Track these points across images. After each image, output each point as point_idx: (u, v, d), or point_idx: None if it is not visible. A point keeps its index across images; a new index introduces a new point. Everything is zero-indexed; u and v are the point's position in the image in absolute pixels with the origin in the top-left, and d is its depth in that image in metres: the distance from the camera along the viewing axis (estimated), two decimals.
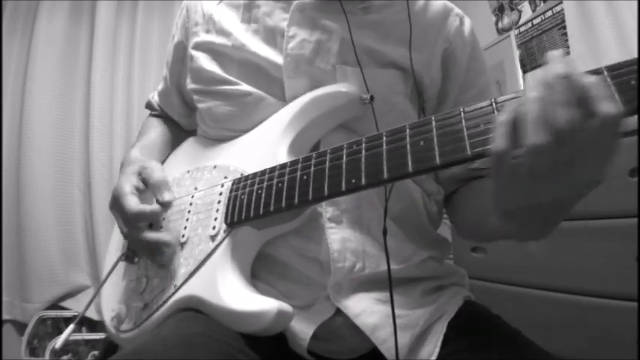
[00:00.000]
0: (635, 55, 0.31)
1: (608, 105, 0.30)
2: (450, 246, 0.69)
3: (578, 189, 0.33)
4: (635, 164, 0.95)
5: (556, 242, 1.12)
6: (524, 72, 1.76)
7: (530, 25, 1.74)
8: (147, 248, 0.59)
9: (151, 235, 0.58)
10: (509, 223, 0.41)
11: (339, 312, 0.54)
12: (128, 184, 0.61)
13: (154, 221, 0.61)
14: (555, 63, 0.32)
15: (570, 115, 0.30)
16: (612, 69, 0.31)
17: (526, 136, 0.31)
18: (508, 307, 1.19)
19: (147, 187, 0.62)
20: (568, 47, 1.58)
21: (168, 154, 0.77)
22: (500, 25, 1.89)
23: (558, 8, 1.61)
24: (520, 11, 1.79)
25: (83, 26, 1.89)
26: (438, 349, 0.52)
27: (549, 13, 1.65)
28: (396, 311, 0.51)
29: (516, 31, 1.80)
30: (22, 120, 1.71)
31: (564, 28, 1.59)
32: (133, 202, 0.58)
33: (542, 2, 1.69)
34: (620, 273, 0.97)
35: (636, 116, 0.31)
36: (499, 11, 1.89)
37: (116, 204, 0.61)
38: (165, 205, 0.59)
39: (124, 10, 1.93)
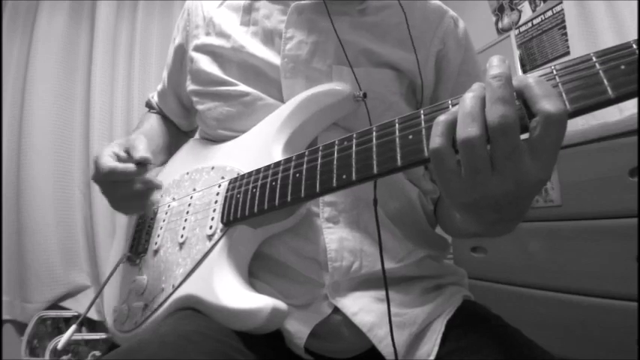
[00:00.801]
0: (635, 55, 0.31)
1: (548, 103, 0.30)
2: (449, 245, 0.69)
3: (523, 185, 0.33)
4: (635, 164, 0.95)
5: (556, 242, 1.13)
6: (525, 72, 1.76)
7: (530, 25, 1.74)
8: (127, 196, 0.58)
9: (126, 189, 0.57)
10: (465, 217, 0.41)
11: (336, 311, 0.54)
12: (107, 149, 0.60)
13: (127, 178, 0.58)
14: (493, 65, 0.33)
15: (502, 111, 0.31)
16: (601, 55, 0.31)
17: (458, 132, 0.33)
18: (508, 307, 1.20)
19: (128, 155, 0.61)
20: (568, 47, 1.58)
21: (162, 144, 0.78)
22: (500, 25, 1.89)
23: (558, 8, 1.61)
24: (520, 11, 1.79)
25: (83, 26, 1.89)
26: (436, 348, 0.52)
27: (549, 13, 1.65)
28: (394, 310, 0.51)
29: (516, 31, 1.80)
30: (22, 120, 1.71)
31: (564, 28, 1.59)
32: (106, 160, 0.57)
33: (542, 2, 1.69)
34: (620, 273, 0.97)
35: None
36: (499, 11, 1.89)
37: (95, 171, 0.59)
38: (141, 163, 0.58)
39: (124, 10, 1.93)
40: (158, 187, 0.60)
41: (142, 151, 0.59)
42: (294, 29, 0.61)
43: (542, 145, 0.31)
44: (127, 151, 0.61)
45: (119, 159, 0.59)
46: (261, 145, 0.59)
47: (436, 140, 0.34)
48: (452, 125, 0.34)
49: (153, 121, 0.81)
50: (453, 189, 0.35)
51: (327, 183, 0.44)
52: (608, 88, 0.30)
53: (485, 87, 0.33)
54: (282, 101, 0.61)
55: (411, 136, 0.39)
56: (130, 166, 0.57)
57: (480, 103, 0.33)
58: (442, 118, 0.34)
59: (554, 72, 0.33)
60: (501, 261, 1.28)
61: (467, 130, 0.32)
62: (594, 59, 0.31)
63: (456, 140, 0.33)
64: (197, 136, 0.77)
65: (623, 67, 0.30)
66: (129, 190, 0.58)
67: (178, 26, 0.75)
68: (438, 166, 0.35)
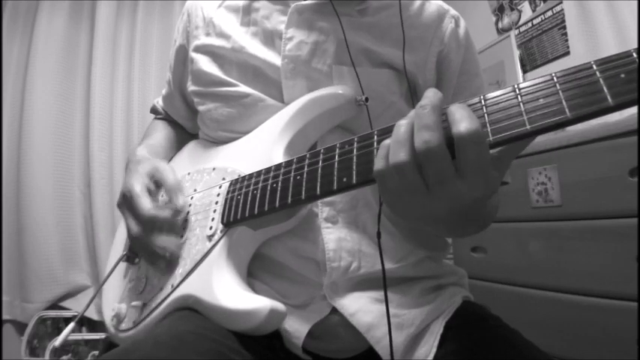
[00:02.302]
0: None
1: (461, 125, 0.32)
2: (449, 246, 0.69)
3: (458, 204, 0.35)
4: (635, 164, 0.95)
5: (556, 242, 1.13)
6: (525, 72, 1.76)
7: (530, 25, 1.74)
8: (151, 251, 0.58)
9: (162, 240, 0.57)
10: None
11: (334, 311, 0.54)
12: (139, 184, 0.60)
13: (166, 226, 0.58)
14: (425, 95, 0.35)
15: (425, 137, 0.33)
16: (601, 63, 0.32)
17: (388, 158, 0.35)
18: (508, 307, 1.20)
19: (158, 188, 0.62)
20: (568, 47, 1.58)
21: (172, 157, 0.78)
22: (500, 25, 1.89)
23: (558, 8, 1.61)
24: (520, 11, 1.79)
25: (83, 26, 1.89)
26: (434, 350, 0.52)
27: (549, 13, 1.65)
28: (393, 311, 0.51)
29: (516, 31, 1.80)
30: (22, 120, 1.72)
31: (564, 28, 1.59)
32: (146, 204, 0.57)
33: (542, 2, 1.69)
34: (620, 273, 0.97)
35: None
36: (499, 11, 1.89)
37: (127, 203, 0.60)
38: (180, 211, 0.59)
39: (124, 10, 1.93)
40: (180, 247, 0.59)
41: (180, 203, 0.59)
42: (295, 29, 0.61)
43: (465, 165, 0.33)
44: (156, 182, 0.61)
45: (150, 192, 0.60)
46: (262, 148, 0.59)
47: (379, 162, 0.37)
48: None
49: (163, 131, 0.80)
50: (397, 207, 0.38)
51: (327, 185, 0.44)
52: (608, 96, 0.30)
53: (414, 114, 0.35)
54: (283, 102, 0.61)
55: None
56: (171, 214, 0.58)
57: (410, 130, 0.35)
58: (386, 141, 0.37)
59: (555, 79, 0.33)
60: (501, 261, 1.29)
61: (396, 155, 0.34)
62: (594, 67, 0.32)
63: None
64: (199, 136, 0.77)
65: (623, 75, 0.30)
66: (166, 238, 0.58)
67: (178, 28, 0.75)
68: (381, 187, 0.38)
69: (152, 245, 0.57)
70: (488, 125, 0.34)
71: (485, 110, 0.35)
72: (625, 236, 0.96)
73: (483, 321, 0.56)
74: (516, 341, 0.51)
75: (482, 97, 0.36)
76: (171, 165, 0.75)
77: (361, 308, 0.53)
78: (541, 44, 1.69)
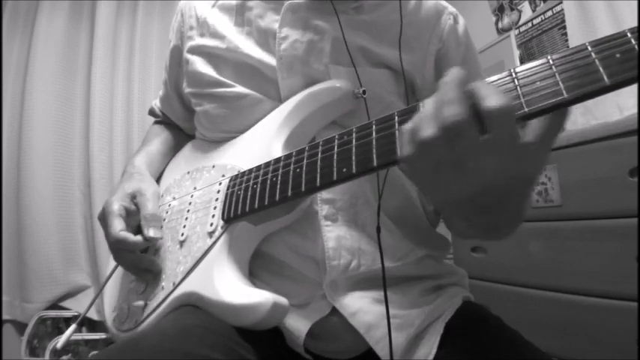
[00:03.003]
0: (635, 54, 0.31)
1: (492, 100, 0.31)
2: (450, 245, 0.69)
3: (495, 180, 0.34)
4: (635, 164, 0.95)
5: (556, 242, 1.13)
6: None
7: (530, 25, 1.74)
8: (127, 265, 0.60)
9: (133, 258, 0.59)
10: (455, 219, 0.42)
11: (334, 311, 0.54)
12: (118, 204, 0.60)
13: (134, 250, 0.59)
14: (448, 73, 0.34)
15: (453, 111, 0.32)
16: (596, 44, 0.32)
17: (414, 136, 0.34)
18: (508, 307, 1.20)
19: (138, 210, 0.61)
20: (568, 47, 1.58)
21: (170, 160, 0.78)
22: (500, 25, 1.89)
23: (558, 8, 1.62)
24: (520, 11, 1.79)
25: (83, 26, 1.89)
26: (434, 351, 0.52)
27: (549, 13, 1.65)
28: (392, 311, 0.51)
29: (516, 31, 1.80)
30: (22, 120, 1.72)
31: (564, 28, 1.59)
32: (116, 226, 0.57)
33: (542, 2, 1.69)
34: (620, 273, 0.97)
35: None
36: (499, 11, 1.89)
37: (103, 218, 0.60)
38: (150, 241, 0.59)
39: (124, 10, 1.93)
40: (157, 269, 0.60)
41: (152, 233, 0.59)
42: (289, 28, 0.61)
43: (494, 140, 0.32)
44: (137, 205, 0.61)
45: (128, 212, 0.60)
46: (261, 143, 0.59)
47: (406, 148, 0.35)
48: (416, 132, 0.35)
49: (161, 137, 0.80)
50: (428, 190, 0.37)
51: (327, 177, 0.44)
52: (604, 76, 0.31)
53: (439, 90, 0.34)
54: (281, 101, 0.60)
55: None
56: (139, 242, 0.58)
57: (437, 106, 0.34)
58: (406, 126, 0.36)
59: (551, 62, 0.33)
60: (501, 261, 1.29)
61: (425, 131, 0.33)
62: (589, 48, 0.32)
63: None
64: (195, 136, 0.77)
65: (618, 55, 0.31)
66: (135, 257, 0.59)
67: (173, 28, 0.75)
68: (410, 172, 0.36)
69: (122, 262, 0.59)
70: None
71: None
72: (625, 236, 0.96)
73: (484, 322, 0.56)
74: (516, 342, 0.51)
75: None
76: (169, 165, 0.75)
77: (361, 309, 0.53)
78: (541, 44, 1.69)
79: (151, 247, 0.63)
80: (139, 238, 0.58)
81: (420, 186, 0.38)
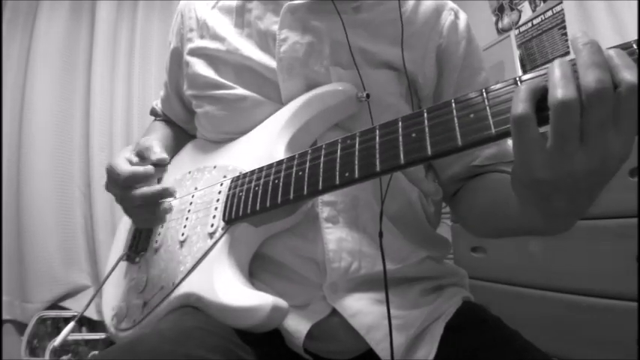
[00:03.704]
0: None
1: (630, 74, 0.30)
2: (450, 246, 0.69)
3: (607, 163, 0.32)
4: (635, 164, 0.95)
5: (556, 242, 1.13)
6: (524, 72, 1.76)
7: (530, 25, 1.74)
8: (145, 206, 0.58)
9: (146, 188, 0.58)
10: (529, 205, 0.39)
11: (334, 312, 0.54)
12: (120, 157, 0.60)
13: (148, 181, 0.59)
14: (578, 36, 0.32)
15: (598, 75, 0.30)
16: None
17: (552, 94, 0.31)
18: (508, 307, 1.19)
19: (141, 158, 0.61)
20: (568, 47, 1.58)
21: (172, 157, 0.78)
22: (500, 25, 1.89)
23: (558, 8, 1.62)
24: (520, 11, 1.79)
25: (83, 26, 1.89)
26: (434, 351, 0.52)
27: (549, 13, 1.65)
28: (393, 312, 0.51)
29: (516, 31, 1.80)
30: (22, 120, 1.72)
31: (564, 28, 1.59)
32: (124, 165, 0.57)
33: (542, 2, 1.69)
34: (620, 273, 0.97)
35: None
36: (499, 11, 1.89)
37: (110, 178, 0.59)
38: (159, 164, 0.58)
39: (124, 10, 1.93)
40: (172, 194, 0.61)
41: (158, 152, 0.59)
42: (288, 30, 0.60)
43: (625, 115, 0.30)
44: (140, 155, 0.61)
45: (133, 164, 0.59)
46: (263, 145, 0.59)
47: (520, 106, 0.32)
48: (536, 92, 0.33)
49: (160, 127, 0.81)
50: (535, 162, 0.33)
51: (329, 180, 0.44)
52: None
53: (569, 61, 0.32)
54: (281, 103, 0.60)
55: (414, 135, 0.39)
56: (150, 168, 0.58)
57: (572, 68, 0.32)
58: (525, 85, 0.33)
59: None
60: (501, 261, 1.28)
61: (563, 92, 0.30)
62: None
63: (542, 107, 0.32)
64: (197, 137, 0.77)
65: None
66: (148, 189, 0.58)
67: (173, 30, 0.74)
68: (520, 135, 0.33)
69: (141, 196, 0.57)
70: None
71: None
72: (625, 236, 0.96)
73: (483, 322, 0.56)
74: (516, 342, 0.51)
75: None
76: (170, 165, 0.75)
77: (361, 310, 0.53)
78: (541, 44, 1.69)
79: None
80: (148, 167, 0.58)
81: (526, 156, 0.34)
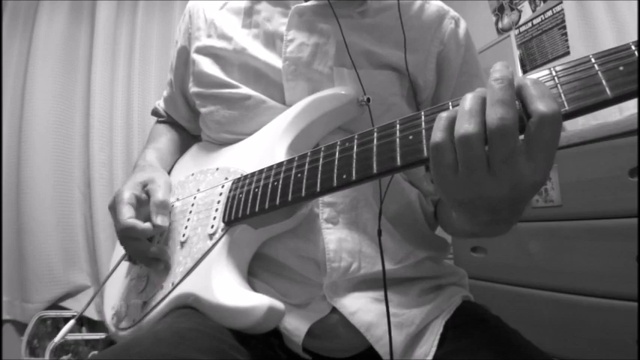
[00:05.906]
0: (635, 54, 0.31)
1: (542, 104, 0.31)
2: (449, 246, 0.69)
3: (518, 188, 0.33)
4: (635, 164, 0.95)
5: (556, 242, 1.13)
6: (524, 72, 1.76)
7: (530, 25, 1.74)
8: (136, 253, 0.60)
9: (139, 244, 0.59)
10: (460, 215, 0.42)
11: (334, 310, 0.54)
12: (129, 192, 0.60)
13: (142, 237, 0.59)
14: (496, 69, 0.33)
15: (501, 113, 0.31)
16: (600, 56, 0.32)
17: (456, 127, 0.33)
18: (508, 307, 1.20)
19: (148, 200, 0.62)
20: (568, 47, 1.58)
21: (177, 160, 0.78)
22: (500, 25, 1.89)
23: (558, 8, 1.62)
24: (520, 11, 1.79)
25: (83, 26, 1.89)
26: (434, 349, 0.52)
27: (549, 13, 1.66)
28: (392, 310, 0.51)
29: (516, 31, 1.80)
30: (22, 120, 1.71)
31: (564, 28, 1.59)
32: (125, 214, 0.58)
33: (542, 2, 1.69)
34: (620, 273, 0.97)
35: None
36: (499, 11, 1.89)
37: (113, 207, 0.61)
38: (158, 228, 0.59)
39: (124, 10, 1.93)
40: (166, 258, 0.60)
41: (160, 213, 0.59)
42: (295, 31, 0.62)
43: (537, 145, 0.31)
44: (147, 192, 0.62)
45: (138, 201, 0.60)
46: (265, 147, 0.59)
47: (437, 134, 0.34)
48: (453, 121, 0.34)
49: (167, 135, 0.80)
50: (448, 185, 0.36)
51: (327, 182, 0.45)
52: (607, 89, 0.30)
53: (487, 90, 0.33)
54: (285, 104, 0.61)
55: (411, 137, 0.39)
56: (148, 229, 0.58)
57: (481, 102, 0.33)
58: (445, 114, 0.35)
59: (554, 73, 0.33)
60: (501, 261, 1.29)
61: (464, 126, 0.32)
62: (593, 60, 0.32)
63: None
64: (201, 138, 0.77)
65: (621, 68, 0.30)
66: (142, 245, 0.59)
67: (180, 29, 0.76)
68: (435, 160, 0.35)
69: (131, 250, 0.60)
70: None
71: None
72: (625, 236, 0.96)
73: (483, 321, 0.56)
74: (516, 341, 0.51)
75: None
76: (174, 167, 0.76)
77: (361, 308, 0.53)
78: (541, 44, 1.69)
79: (161, 238, 0.63)
80: (147, 225, 0.58)
81: (439, 181, 0.36)
